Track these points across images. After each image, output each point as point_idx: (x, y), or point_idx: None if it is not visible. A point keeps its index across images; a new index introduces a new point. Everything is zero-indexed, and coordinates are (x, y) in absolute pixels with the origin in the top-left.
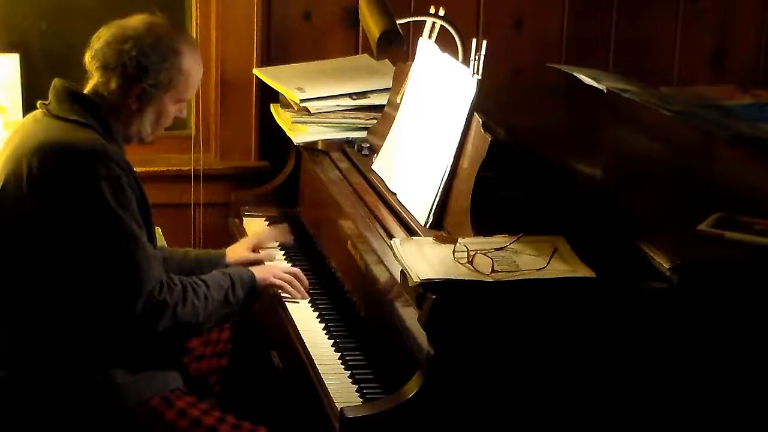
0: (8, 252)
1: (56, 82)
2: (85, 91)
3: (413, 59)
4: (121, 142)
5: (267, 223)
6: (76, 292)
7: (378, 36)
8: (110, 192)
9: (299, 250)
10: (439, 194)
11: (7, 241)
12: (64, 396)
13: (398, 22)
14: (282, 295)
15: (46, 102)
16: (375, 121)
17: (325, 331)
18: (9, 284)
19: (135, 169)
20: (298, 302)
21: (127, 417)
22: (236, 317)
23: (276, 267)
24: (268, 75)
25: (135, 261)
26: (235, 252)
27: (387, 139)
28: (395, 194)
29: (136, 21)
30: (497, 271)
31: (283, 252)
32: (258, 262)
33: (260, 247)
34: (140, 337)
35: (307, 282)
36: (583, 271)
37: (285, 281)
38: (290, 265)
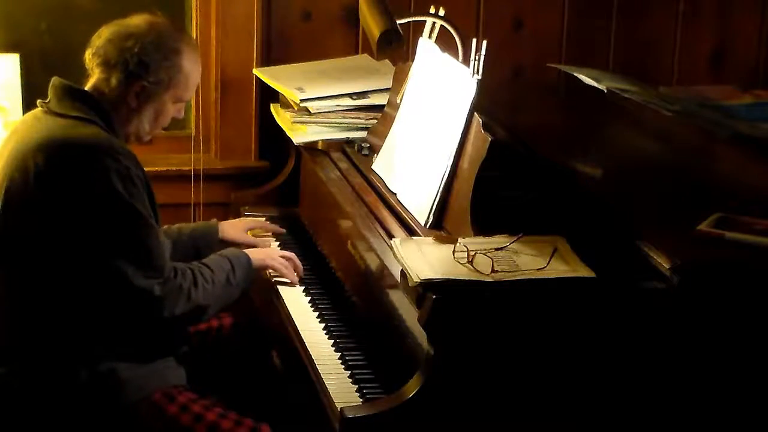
0: (15, 248)
1: (55, 80)
2: (87, 88)
3: (413, 59)
4: (122, 138)
5: (268, 222)
6: (89, 284)
7: (378, 36)
8: (121, 184)
9: (299, 250)
10: (439, 194)
11: (13, 238)
12: (67, 390)
13: (398, 22)
14: (275, 279)
15: (46, 100)
16: (375, 121)
17: (325, 331)
18: (15, 280)
19: None
20: (298, 302)
21: (129, 411)
22: (233, 301)
23: (272, 250)
24: (268, 75)
25: (151, 247)
26: (233, 227)
27: (387, 139)
28: (395, 194)
29: (138, 20)
30: (497, 271)
31: (277, 243)
32: (251, 245)
33: (256, 229)
34: (159, 323)
35: (301, 268)
36: (583, 271)
37: (281, 264)
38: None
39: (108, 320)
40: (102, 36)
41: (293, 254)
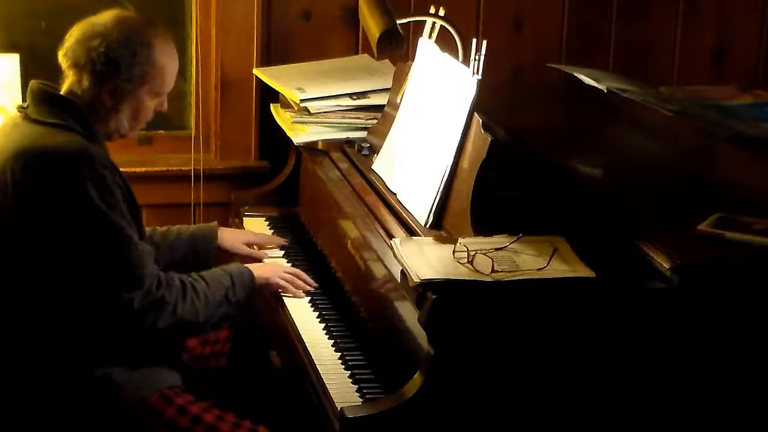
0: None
1: (33, 84)
2: (62, 92)
3: (413, 59)
4: (102, 140)
5: (268, 224)
6: (70, 293)
7: (378, 36)
8: (97, 193)
9: (299, 250)
10: (439, 194)
11: None
12: (62, 395)
13: (398, 22)
14: (283, 293)
15: (24, 105)
16: (375, 121)
17: (325, 331)
18: (2, 287)
19: (135, 169)
20: (298, 302)
21: (126, 415)
22: (232, 316)
23: (276, 265)
24: (268, 75)
25: (128, 259)
26: (231, 237)
27: (387, 139)
28: (395, 194)
29: (105, 17)
30: (497, 271)
31: (282, 251)
32: (249, 259)
33: (256, 245)
34: (140, 335)
35: (309, 281)
36: (583, 271)
37: (287, 281)
38: (290, 264)
39: (94, 328)
40: (71, 36)
41: (298, 270)
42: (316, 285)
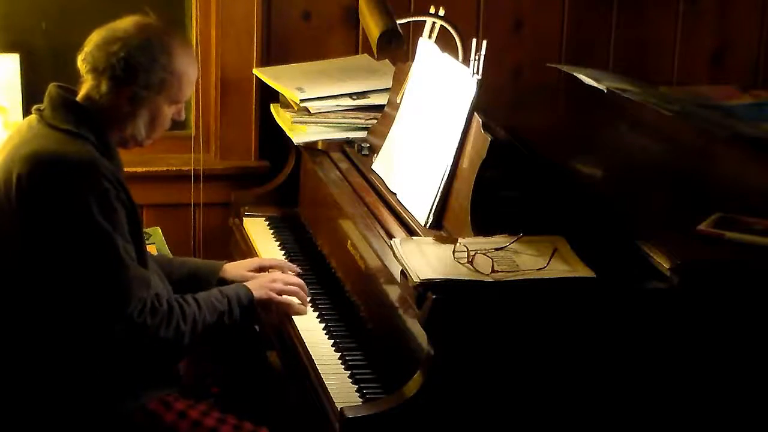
0: None
1: (51, 88)
2: (79, 97)
3: (413, 59)
4: (116, 150)
5: (268, 224)
6: (61, 305)
7: (378, 36)
8: (97, 208)
9: (299, 250)
10: (439, 194)
11: None
12: (60, 401)
13: (398, 22)
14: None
15: (41, 108)
16: (375, 121)
17: (325, 331)
18: (2, 287)
19: (135, 169)
20: (297, 301)
21: (125, 422)
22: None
23: (275, 281)
24: (268, 75)
25: (115, 281)
26: (235, 269)
27: (387, 139)
28: (395, 194)
29: (126, 23)
30: (497, 271)
31: (283, 252)
32: None
33: (265, 269)
34: (126, 354)
35: (307, 290)
36: (583, 271)
37: (290, 293)
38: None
39: (89, 337)
40: (91, 41)
41: (298, 280)
42: (308, 298)
